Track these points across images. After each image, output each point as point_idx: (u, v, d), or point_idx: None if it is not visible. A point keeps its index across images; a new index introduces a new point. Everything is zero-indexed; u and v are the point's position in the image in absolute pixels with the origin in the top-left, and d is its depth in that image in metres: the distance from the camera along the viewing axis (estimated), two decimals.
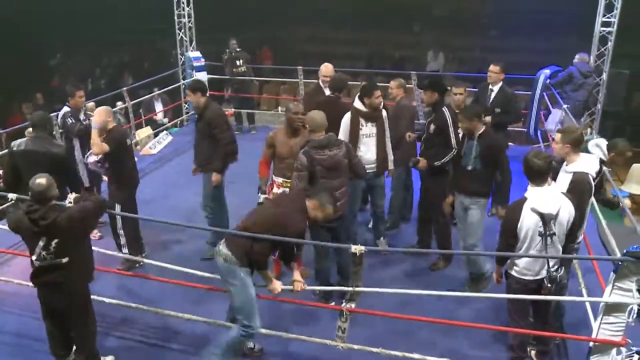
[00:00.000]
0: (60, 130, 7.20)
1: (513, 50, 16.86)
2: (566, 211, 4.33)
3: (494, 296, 4.99)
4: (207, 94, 6.43)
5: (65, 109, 6.84)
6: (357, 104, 6.17)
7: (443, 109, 6.04)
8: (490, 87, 7.41)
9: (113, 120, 6.07)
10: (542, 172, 4.33)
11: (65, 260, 4.28)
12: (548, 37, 16.40)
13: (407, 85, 8.39)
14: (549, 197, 4.34)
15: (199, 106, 6.29)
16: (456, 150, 5.87)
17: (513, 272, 4.55)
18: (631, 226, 8.95)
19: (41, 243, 4.23)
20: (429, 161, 5.96)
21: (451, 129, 5.90)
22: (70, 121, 6.74)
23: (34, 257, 4.29)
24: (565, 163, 4.89)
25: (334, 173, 5.35)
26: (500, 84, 7.37)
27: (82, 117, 6.86)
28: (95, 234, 6.80)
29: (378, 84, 8.57)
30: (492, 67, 7.45)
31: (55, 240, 4.22)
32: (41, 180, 4.24)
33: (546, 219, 4.30)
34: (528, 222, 4.34)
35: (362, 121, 6.13)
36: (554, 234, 4.33)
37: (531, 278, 4.46)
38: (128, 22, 19.20)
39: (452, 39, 17.96)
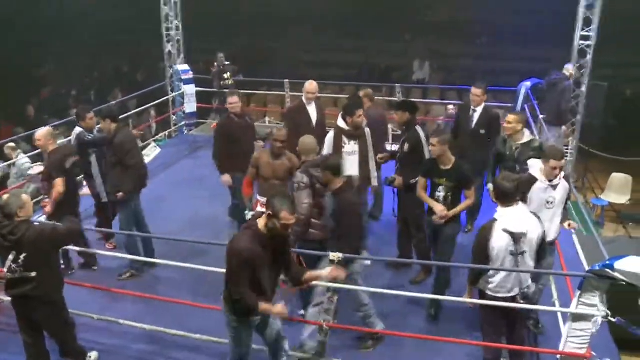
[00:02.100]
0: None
1: (501, 58, 17.15)
2: (535, 230, 4.53)
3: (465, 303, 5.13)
4: (118, 120, 6.44)
5: (78, 129, 6.95)
6: (340, 122, 6.35)
7: (416, 127, 6.24)
8: (472, 108, 7.20)
9: (54, 142, 6.30)
10: (510, 195, 4.53)
11: (33, 274, 4.51)
12: (535, 45, 16.64)
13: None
14: (519, 216, 4.53)
15: (109, 133, 6.35)
16: None
17: (487, 291, 4.70)
18: (609, 236, 9.27)
19: (11, 257, 4.48)
20: (405, 179, 6.13)
21: (425, 148, 6.10)
22: (90, 137, 6.85)
23: (5, 270, 4.54)
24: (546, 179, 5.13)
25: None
26: (484, 105, 7.18)
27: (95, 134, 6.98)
28: (111, 244, 7.13)
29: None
30: (474, 90, 7.15)
31: (24, 255, 4.46)
32: (4, 197, 4.57)
33: (516, 238, 4.49)
34: (499, 242, 4.51)
35: (344, 139, 6.31)
36: (524, 252, 4.52)
37: (504, 295, 4.61)
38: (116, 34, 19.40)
39: (439, 46, 18.17)
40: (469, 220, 7.42)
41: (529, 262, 4.56)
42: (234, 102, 7.17)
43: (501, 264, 4.54)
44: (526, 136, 6.14)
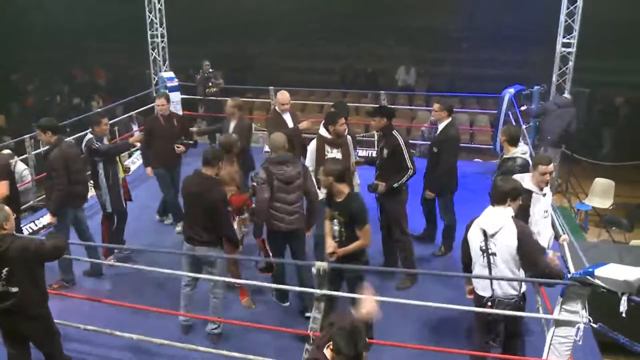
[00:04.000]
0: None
1: (483, 64, 17.29)
2: (507, 235, 4.51)
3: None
4: (58, 133, 6.38)
5: (89, 135, 6.82)
6: (322, 131, 6.41)
7: (394, 132, 6.26)
8: (437, 124, 6.95)
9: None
10: (501, 195, 4.62)
11: (15, 289, 4.43)
12: (517, 50, 16.81)
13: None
14: (494, 216, 4.60)
15: (49, 145, 6.33)
16: (412, 170, 6.18)
17: (470, 285, 4.89)
18: (593, 241, 9.36)
19: None
20: (387, 183, 6.19)
21: (405, 151, 6.16)
22: (97, 145, 6.71)
23: None
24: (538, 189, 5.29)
25: (289, 187, 5.62)
26: (446, 122, 6.75)
27: (104, 142, 6.91)
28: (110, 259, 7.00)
29: (350, 103, 8.91)
30: (434, 105, 6.95)
31: (6, 269, 4.39)
32: None
33: (486, 236, 4.59)
34: (472, 235, 4.72)
35: (327, 148, 6.36)
36: (494, 254, 4.57)
37: (481, 293, 4.72)
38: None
39: (422, 52, 18.28)
40: (444, 243, 7.25)
41: (501, 267, 4.56)
42: (160, 103, 7.64)
43: (475, 257, 4.72)
44: (513, 150, 6.09)
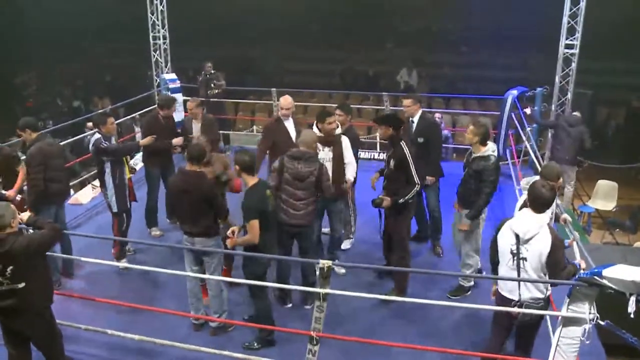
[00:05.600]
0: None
1: (483, 66, 17.27)
2: (541, 243, 4.42)
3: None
4: (37, 130, 6.43)
5: (96, 135, 6.78)
6: (314, 129, 6.42)
7: (401, 143, 6.03)
8: (410, 119, 7.10)
9: None
10: (544, 203, 4.50)
11: (21, 285, 4.41)
12: (517, 53, 16.80)
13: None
14: (529, 222, 4.48)
15: (29, 142, 6.34)
16: (419, 186, 6.00)
17: (496, 285, 4.83)
18: (596, 244, 9.31)
19: None
20: (392, 198, 6.00)
21: (411, 164, 5.95)
22: (105, 144, 6.65)
23: None
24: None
25: (298, 184, 5.75)
26: (419, 113, 7.09)
27: (112, 142, 6.86)
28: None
29: (352, 105, 8.90)
30: (404, 101, 7.25)
31: (11, 267, 4.36)
32: None
33: (519, 240, 4.50)
34: (503, 237, 4.63)
35: (319, 145, 6.29)
36: (525, 259, 4.49)
37: (507, 295, 4.63)
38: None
39: (421, 55, 18.28)
40: (434, 243, 7.29)
41: (531, 272, 4.48)
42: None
43: (503, 259, 4.66)
44: (485, 149, 5.95)
